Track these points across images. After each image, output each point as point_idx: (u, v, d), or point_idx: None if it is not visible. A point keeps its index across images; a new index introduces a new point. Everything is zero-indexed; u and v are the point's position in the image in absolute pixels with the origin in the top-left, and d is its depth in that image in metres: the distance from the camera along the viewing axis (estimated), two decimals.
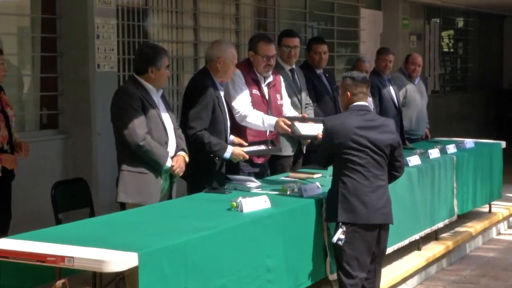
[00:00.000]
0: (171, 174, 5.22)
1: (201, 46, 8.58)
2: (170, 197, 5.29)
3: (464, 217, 7.96)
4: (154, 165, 5.05)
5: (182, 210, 4.70)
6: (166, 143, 5.16)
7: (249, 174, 5.86)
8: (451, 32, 16.49)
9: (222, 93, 5.74)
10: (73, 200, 5.68)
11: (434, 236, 7.31)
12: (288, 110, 6.31)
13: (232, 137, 5.83)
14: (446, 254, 7.28)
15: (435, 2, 14.27)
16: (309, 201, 4.99)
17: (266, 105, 6.09)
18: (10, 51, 6.76)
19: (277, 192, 5.18)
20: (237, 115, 5.90)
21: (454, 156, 7.54)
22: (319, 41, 7.37)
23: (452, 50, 16.64)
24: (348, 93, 4.99)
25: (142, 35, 7.88)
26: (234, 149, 5.58)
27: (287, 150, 6.48)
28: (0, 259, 3.65)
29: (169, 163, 5.11)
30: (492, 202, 8.72)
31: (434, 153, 7.32)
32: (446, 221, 7.34)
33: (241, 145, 5.76)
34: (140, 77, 5.15)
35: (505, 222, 8.94)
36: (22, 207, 5.94)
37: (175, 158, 5.18)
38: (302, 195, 5.07)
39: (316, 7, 11.18)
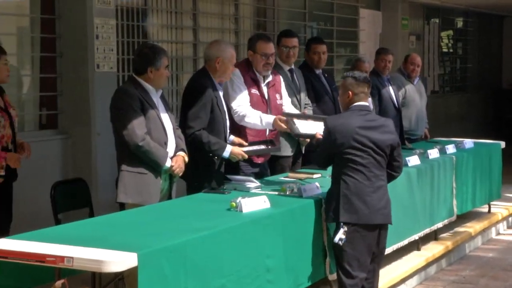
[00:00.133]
0: (170, 174, 5.21)
1: (200, 46, 8.58)
2: (169, 197, 5.29)
3: (463, 217, 7.96)
4: (154, 166, 5.05)
5: (182, 210, 4.70)
6: (166, 143, 5.16)
7: (249, 175, 5.86)
8: (451, 32, 16.50)
9: (221, 93, 5.74)
10: (72, 200, 5.69)
11: (433, 236, 7.31)
12: (289, 109, 6.31)
13: (232, 137, 5.84)
14: (446, 254, 7.28)
15: (434, 2, 14.27)
16: (309, 201, 4.99)
17: (266, 104, 6.09)
18: (10, 51, 6.70)
19: (276, 192, 5.18)
20: (235, 116, 5.90)
21: (454, 156, 7.54)
22: (318, 41, 7.37)
23: (451, 50, 16.64)
24: (350, 93, 4.98)
25: (141, 35, 7.88)
26: (233, 149, 5.58)
27: (286, 150, 6.48)
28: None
29: (168, 163, 5.11)
30: (491, 202, 8.72)
31: (434, 153, 7.33)
32: (446, 221, 7.35)
33: (241, 145, 5.77)
34: (139, 77, 5.15)
35: (505, 222, 8.94)
36: (21, 207, 5.93)
37: (175, 158, 5.18)
38: (301, 195, 5.07)
39: (315, 7, 11.18)
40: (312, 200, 5.00)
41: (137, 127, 4.98)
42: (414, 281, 6.62)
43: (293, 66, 6.76)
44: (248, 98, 5.97)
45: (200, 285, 3.90)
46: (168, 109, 5.36)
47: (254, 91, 6.05)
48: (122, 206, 5.18)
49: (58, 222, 5.27)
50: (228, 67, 5.68)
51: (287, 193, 5.15)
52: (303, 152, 6.69)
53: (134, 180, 5.05)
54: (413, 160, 6.78)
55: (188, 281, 3.81)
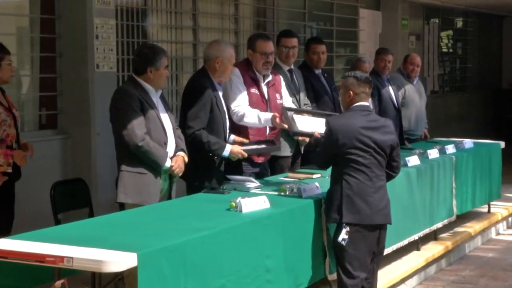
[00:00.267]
0: (170, 174, 5.22)
1: (200, 47, 8.58)
2: (169, 197, 5.29)
3: (463, 217, 7.96)
4: (154, 166, 5.05)
5: (182, 210, 4.70)
6: (165, 144, 5.16)
7: (249, 175, 5.87)
8: (450, 32, 16.49)
9: (220, 93, 5.74)
10: (72, 200, 5.69)
11: (433, 236, 7.31)
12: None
13: (233, 136, 5.84)
14: (445, 254, 7.28)
15: (434, 2, 14.27)
16: (308, 201, 4.99)
17: (266, 104, 6.09)
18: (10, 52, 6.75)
19: (276, 193, 5.18)
20: (234, 116, 5.90)
21: (453, 156, 7.54)
22: (317, 41, 7.38)
23: (451, 50, 16.63)
24: (351, 92, 4.98)
25: (141, 36, 7.88)
26: (232, 148, 5.59)
27: (286, 150, 6.48)
28: None
29: (168, 163, 5.11)
30: (491, 202, 8.72)
31: (433, 153, 7.33)
32: (445, 221, 7.34)
33: (242, 143, 5.77)
34: (139, 77, 5.15)
35: (504, 222, 8.94)
36: (21, 207, 5.92)
37: (175, 158, 5.19)
38: (301, 196, 5.07)
39: (315, 7, 11.18)
40: (312, 200, 5.00)
41: (137, 127, 4.98)
42: (414, 281, 6.62)
43: (292, 66, 6.76)
44: (247, 98, 5.98)
45: (200, 285, 3.90)
46: (168, 109, 5.36)
47: (254, 90, 6.05)
48: (122, 206, 5.18)
49: (58, 222, 5.27)
50: (228, 67, 5.68)
51: (287, 193, 5.15)
52: (302, 152, 6.69)
53: (134, 180, 5.05)
54: (413, 160, 6.78)
55: (188, 281, 3.81)
